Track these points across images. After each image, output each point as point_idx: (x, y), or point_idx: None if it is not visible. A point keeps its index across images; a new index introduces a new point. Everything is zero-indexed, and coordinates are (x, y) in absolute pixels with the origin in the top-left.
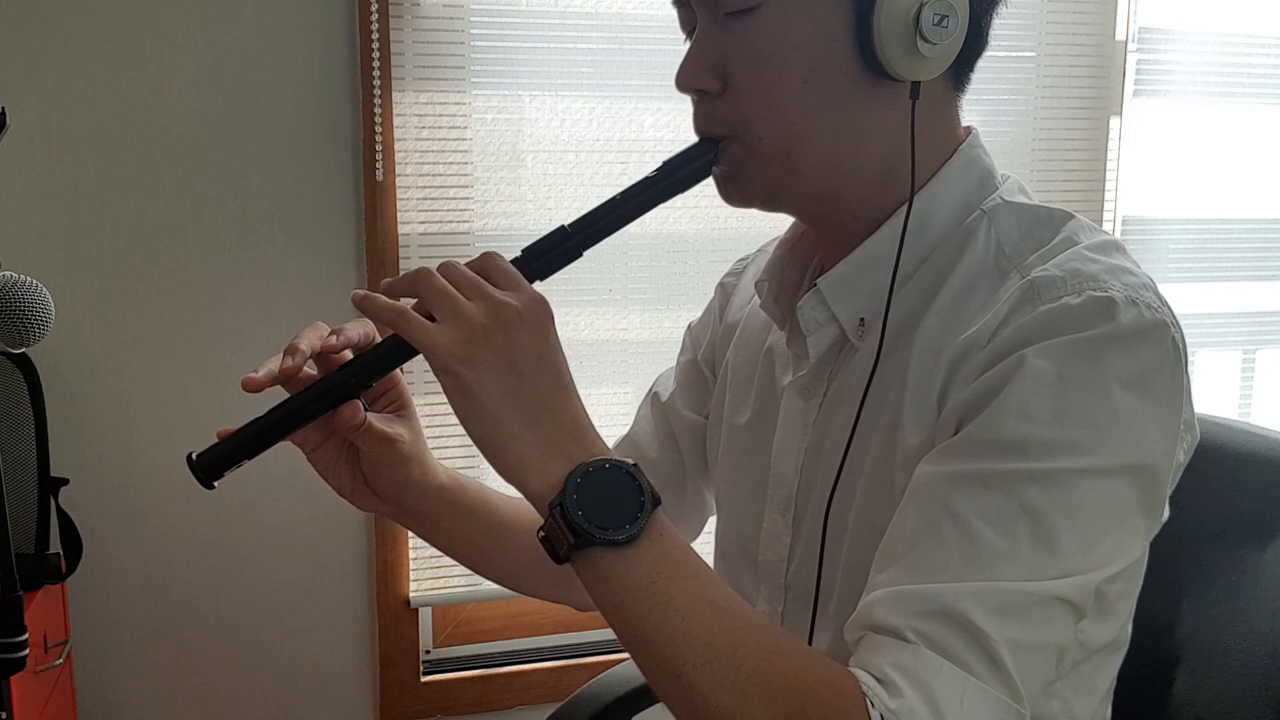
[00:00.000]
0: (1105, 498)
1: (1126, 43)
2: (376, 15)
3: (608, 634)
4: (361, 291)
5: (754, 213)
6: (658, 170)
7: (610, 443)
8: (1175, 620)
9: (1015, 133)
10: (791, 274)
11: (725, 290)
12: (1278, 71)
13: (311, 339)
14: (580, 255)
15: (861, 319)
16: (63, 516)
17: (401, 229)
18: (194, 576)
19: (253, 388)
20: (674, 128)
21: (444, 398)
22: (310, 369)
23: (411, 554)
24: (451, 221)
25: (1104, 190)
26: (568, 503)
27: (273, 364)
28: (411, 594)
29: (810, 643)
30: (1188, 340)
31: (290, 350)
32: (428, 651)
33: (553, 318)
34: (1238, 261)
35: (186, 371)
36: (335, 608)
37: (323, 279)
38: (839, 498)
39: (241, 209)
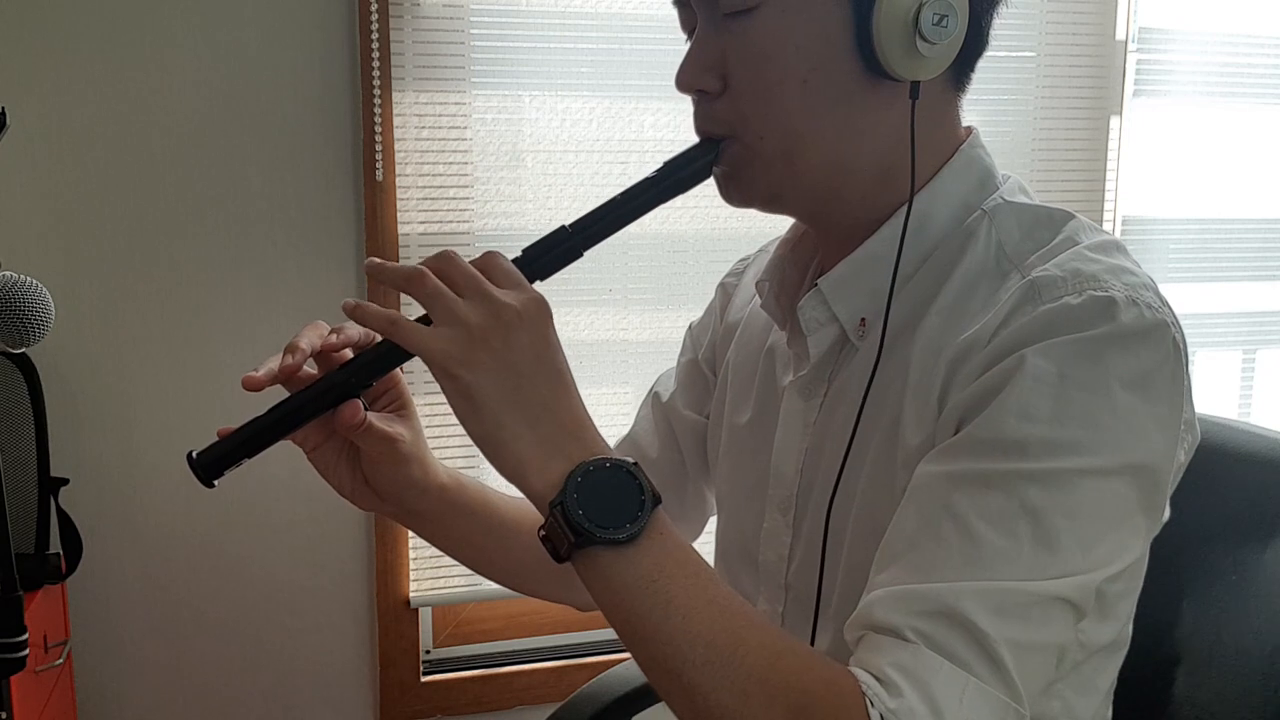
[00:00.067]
0: (1106, 498)
1: (1126, 43)
2: (376, 15)
3: (608, 634)
4: (353, 300)
5: (754, 213)
6: (658, 170)
7: (611, 443)
8: (1175, 620)
9: (1015, 133)
10: (792, 274)
11: (726, 290)
12: (1278, 71)
13: (312, 338)
14: (581, 255)
15: (862, 319)
16: (63, 516)
17: (401, 229)
18: (194, 576)
19: (253, 386)
20: (674, 128)
21: (444, 397)
22: (310, 368)
23: (411, 554)
24: (451, 221)
25: (1104, 190)
26: (568, 502)
27: (273, 363)
28: (411, 594)
29: (811, 643)
30: (1188, 340)
31: (290, 349)
32: (428, 651)
33: (552, 317)
34: (1238, 261)
35: (186, 371)
36: (335, 608)
37: (322, 279)
38: (840, 498)
39: (241, 209)
